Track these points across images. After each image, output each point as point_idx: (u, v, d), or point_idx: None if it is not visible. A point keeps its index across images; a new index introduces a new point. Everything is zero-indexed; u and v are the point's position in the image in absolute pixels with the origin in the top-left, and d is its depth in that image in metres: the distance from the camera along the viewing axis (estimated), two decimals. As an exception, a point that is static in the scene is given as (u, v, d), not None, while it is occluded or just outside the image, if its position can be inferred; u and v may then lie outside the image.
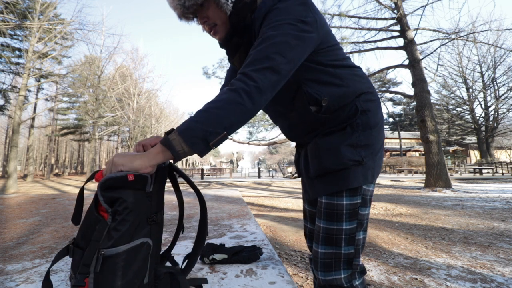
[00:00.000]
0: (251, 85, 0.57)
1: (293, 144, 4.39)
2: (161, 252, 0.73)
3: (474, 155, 29.26)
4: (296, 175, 1.17)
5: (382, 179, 13.89)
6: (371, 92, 0.77)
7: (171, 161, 0.67)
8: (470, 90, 22.95)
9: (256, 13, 0.69)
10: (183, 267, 0.75)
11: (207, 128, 0.55)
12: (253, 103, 0.58)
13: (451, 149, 28.04)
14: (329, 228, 0.72)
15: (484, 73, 22.05)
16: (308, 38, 0.63)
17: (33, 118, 19.62)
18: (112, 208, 0.56)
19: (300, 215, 4.18)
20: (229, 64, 0.95)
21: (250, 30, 0.71)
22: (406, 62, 8.99)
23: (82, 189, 0.64)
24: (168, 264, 0.78)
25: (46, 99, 21.98)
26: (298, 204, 5.38)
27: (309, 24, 0.63)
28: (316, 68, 0.69)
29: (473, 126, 23.09)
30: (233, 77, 0.92)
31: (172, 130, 0.58)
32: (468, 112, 23.67)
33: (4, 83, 15.25)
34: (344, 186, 0.71)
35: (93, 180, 0.63)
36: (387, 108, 32.86)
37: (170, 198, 2.79)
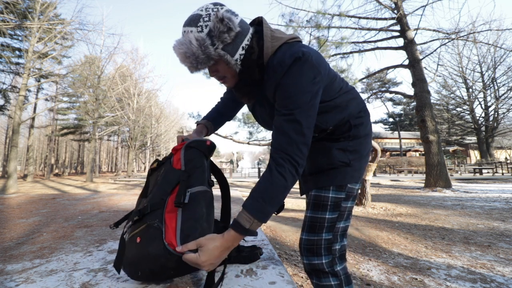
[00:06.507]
0: (297, 166, 0.68)
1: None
2: None
3: (474, 155, 29.27)
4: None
5: (382, 179, 13.88)
6: (364, 110, 0.87)
7: (211, 158, 0.90)
8: (470, 90, 22.92)
9: (269, 73, 0.73)
10: None
11: (273, 210, 0.69)
12: (297, 178, 0.70)
13: (451, 149, 28.03)
14: (313, 217, 0.83)
15: (484, 73, 22.01)
16: (319, 94, 0.72)
17: (33, 118, 19.59)
18: (187, 166, 0.76)
19: (300, 215, 4.18)
20: None
21: (260, 82, 0.77)
22: (406, 62, 8.99)
23: (150, 172, 0.85)
24: None
25: (46, 99, 21.95)
26: (298, 204, 5.38)
27: (318, 83, 0.71)
28: (320, 106, 0.77)
29: (473, 126, 23.07)
30: (232, 99, 1.06)
31: (247, 215, 0.67)
32: (468, 112, 23.64)
33: (4, 83, 15.25)
34: (332, 183, 0.81)
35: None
36: (387, 108, 32.90)
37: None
